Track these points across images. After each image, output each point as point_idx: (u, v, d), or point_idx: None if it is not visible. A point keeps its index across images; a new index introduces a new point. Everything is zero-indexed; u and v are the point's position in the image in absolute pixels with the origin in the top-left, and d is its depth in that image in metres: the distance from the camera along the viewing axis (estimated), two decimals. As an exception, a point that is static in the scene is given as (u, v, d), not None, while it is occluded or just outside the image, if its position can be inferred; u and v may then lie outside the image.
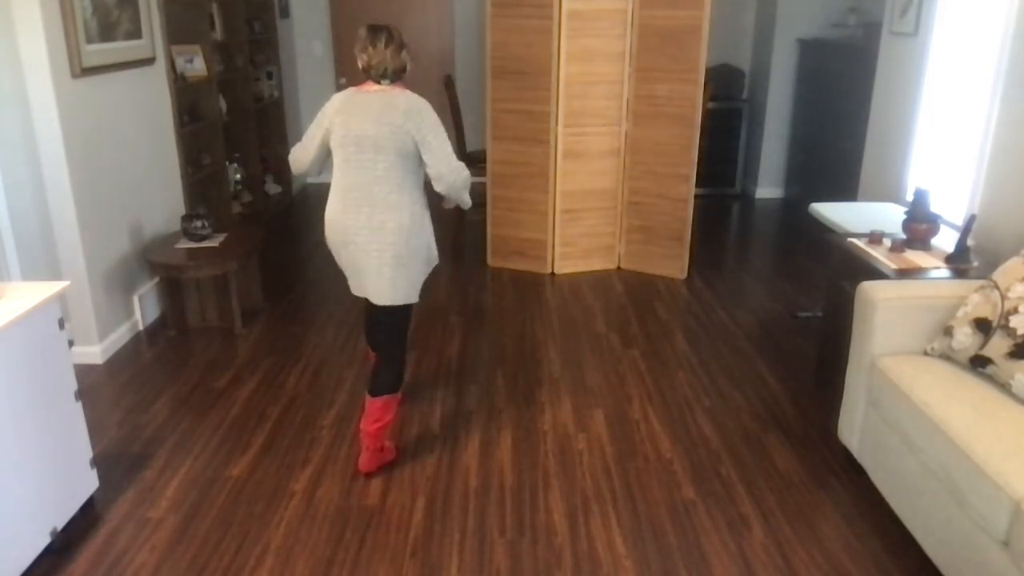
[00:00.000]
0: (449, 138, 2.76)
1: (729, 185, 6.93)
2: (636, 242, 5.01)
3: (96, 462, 2.68)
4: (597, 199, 4.93)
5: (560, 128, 4.70)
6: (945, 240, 3.23)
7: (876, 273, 3.01)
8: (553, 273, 4.99)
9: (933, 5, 3.99)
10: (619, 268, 5.09)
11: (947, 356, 2.59)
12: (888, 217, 3.75)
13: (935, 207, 3.26)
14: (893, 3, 4.41)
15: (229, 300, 4.08)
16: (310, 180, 7.40)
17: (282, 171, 6.59)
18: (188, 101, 4.81)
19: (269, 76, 6.37)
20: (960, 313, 2.56)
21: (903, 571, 2.42)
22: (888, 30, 4.49)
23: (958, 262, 3.04)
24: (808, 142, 6.26)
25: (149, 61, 4.22)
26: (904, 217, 3.25)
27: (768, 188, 6.87)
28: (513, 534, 2.58)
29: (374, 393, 2.81)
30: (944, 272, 3.00)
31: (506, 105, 4.78)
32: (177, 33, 4.61)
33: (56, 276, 3.63)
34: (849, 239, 3.35)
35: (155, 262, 3.97)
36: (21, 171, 3.50)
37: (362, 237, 2.71)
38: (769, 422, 3.25)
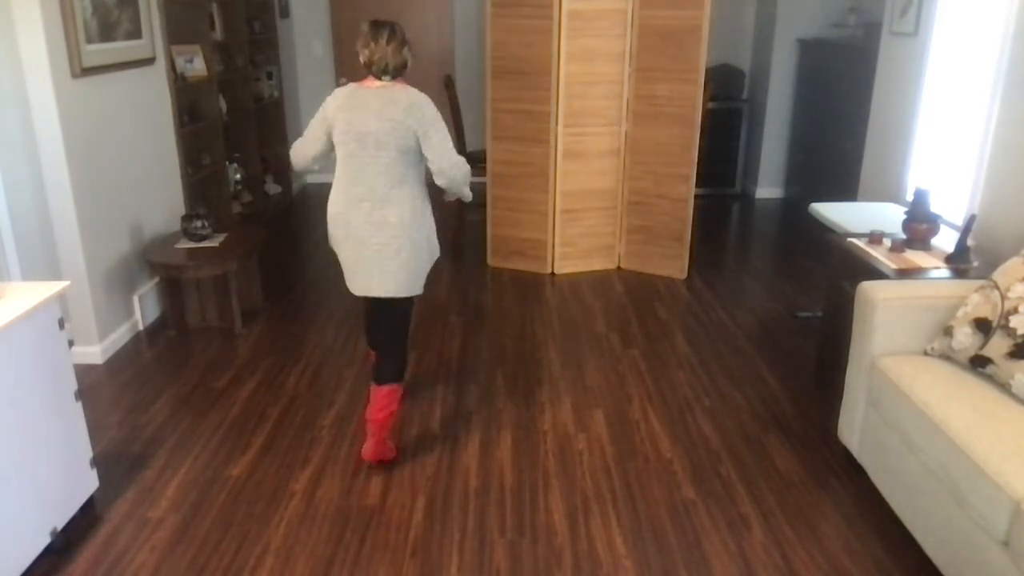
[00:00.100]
0: (452, 142, 2.80)
1: (729, 185, 6.93)
2: (636, 242, 5.01)
3: (96, 462, 2.68)
4: (597, 199, 4.93)
5: (560, 128, 4.70)
6: (945, 240, 3.23)
7: (876, 273, 3.01)
8: (553, 273, 4.99)
9: (933, 5, 3.99)
10: (619, 268, 5.09)
11: (947, 356, 2.59)
12: (888, 217, 3.75)
13: (935, 207, 3.25)
14: (893, 3, 4.41)
15: (229, 300, 4.08)
16: (310, 180, 7.41)
17: (282, 171, 6.59)
18: (188, 101, 4.81)
19: (269, 76, 6.37)
20: (960, 313, 2.56)
21: (903, 571, 2.42)
22: (888, 30, 4.49)
23: (958, 262, 3.04)
24: (808, 142, 6.26)
25: (149, 61, 4.22)
26: (904, 217, 3.25)
27: (768, 188, 6.87)
28: (513, 534, 2.58)
29: (379, 382, 2.84)
30: (944, 272, 3.00)
31: (506, 105, 4.78)
32: (177, 33, 4.61)
33: (56, 276, 3.63)
34: (849, 239, 3.35)
35: (155, 262, 3.97)
36: (21, 171, 3.50)
37: (364, 232, 2.74)
38: (769, 422, 3.25)
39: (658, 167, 4.79)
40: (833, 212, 3.87)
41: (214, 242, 4.13)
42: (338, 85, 2.87)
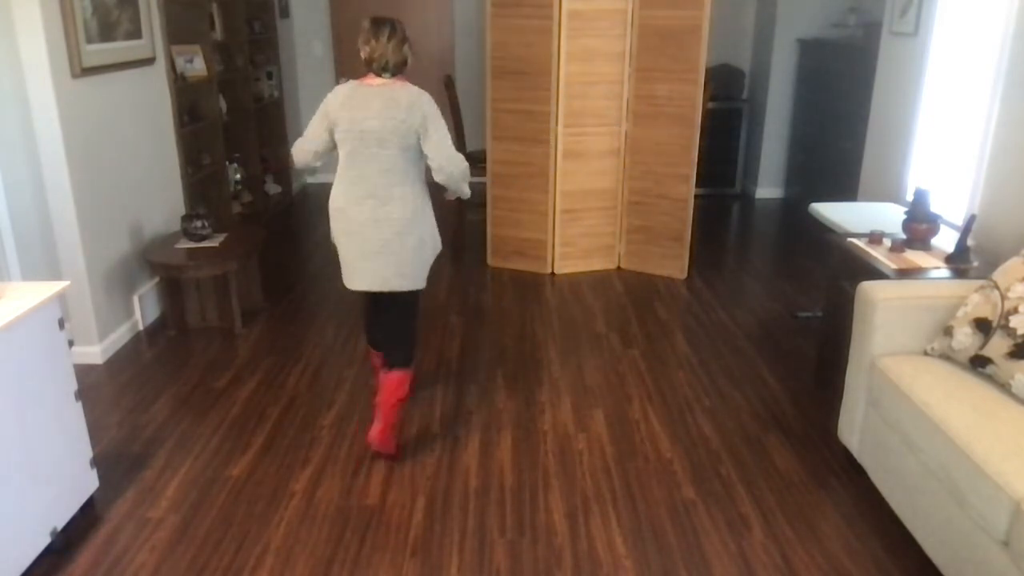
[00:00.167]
0: (451, 139, 2.83)
1: (729, 185, 6.93)
2: (636, 242, 5.01)
3: (96, 462, 2.68)
4: (597, 199, 4.93)
5: (560, 128, 4.70)
6: (945, 240, 3.23)
7: (876, 273, 3.01)
8: (553, 273, 4.98)
9: (933, 5, 3.99)
10: (619, 268, 5.09)
11: (947, 356, 2.59)
12: (888, 217, 3.75)
13: (935, 207, 3.25)
14: (893, 3, 4.41)
15: (229, 300, 4.08)
16: (309, 180, 7.41)
17: (282, 171, 6.59)
18: (188, 101, 4.81)
19: (269, 76, 6.37)
20: (960, 313, 2.56)
21: (903, 571, 2.42)
22: (888, 30, 4.49)
23: (958, 262, 3.04)
24: (808, 142, 6.26)
25: (149, 61, 4.22)
26: (904, 217, 3.25)
27: (768, 188, 6.87)
28: (513, 534, 2.58)
29: (390, 367, 2.89)
30: (944, 272, 3.00)
31: (506, 105, 4.78)
32: (177, 33, 4.61)
33: (56, 276, 3.63)
34: (849, 239, 3.35)
35: (155, 262, 3.97)
36: (21, 171, 3.50)
37: (368, 229, 2.79)
38: (769, 422, 3.25)
39: (658, 167, 4.79)
40: (833, 212, 3.87)
41: (214, 242, 4.13)
42: (338, 84, 2.89)
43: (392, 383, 2.88)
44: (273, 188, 6.51)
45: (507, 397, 3.46)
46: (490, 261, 5.14)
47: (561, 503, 2.73)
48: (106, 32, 3.74)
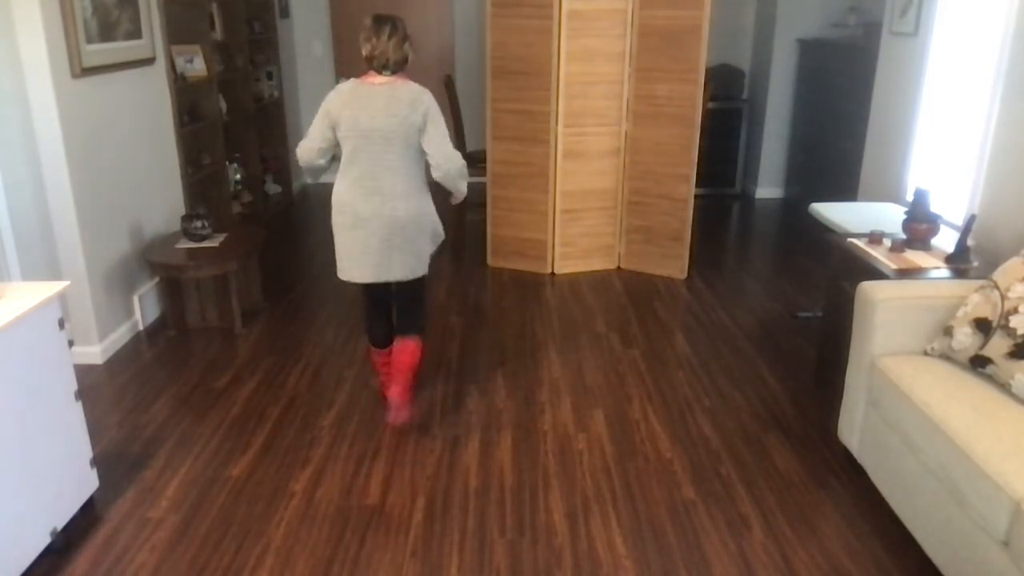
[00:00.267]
0: (449, 137, 2.88)
1: (729, 185, 6.93)
2: (636, 242, 5.00)
3: (96, 462, 2.68)
4: (597, 199, 4.93)
5: (560, 128, 4.70)
6: (945, 240, 3.23)
7: (876, 273, 3.01)
8: (553, 273, 4.98)
9: (933, 5, 3.99)
10: (619, 268, 5.09)
11: (947, 356, 2.59)
12: (888, 217, 3.75)
13: (935, 207, 3.25)
14: (893, 3, 4.41)
15: (229, 300, 4.08)
16: (309, 180, 7.39)
17: (282, 171, 6.59)
18: (188, 101, 4.81)
19: (269, 76, 6.37)
20: (960, 313, 2.56)
21: (903, 571, 2.42)
22: (888, 30, 4.49)
23: (958, 262, 3.04)
24: (808, 142, 6.26)
25: (149, 61, 4.22)
26: (904, 217, 3.25)
27: (768, 188, 6.87)
28: (513, 534, 2.58)
29: (402, 335, 3.04)
30: (944, 272, 3.00)
31: (506, 105, 4.78)
32: (177, 33, 4.61)
33: (56, 276, 3.63)
34: (849, 239, 3.35)
35: (155, 262, 3.97)
36: (21, 171, 3.50)
37: (374, 224, 2.85)
38: (769, 422, 3.25)
39: (658, 167, 4.79)
40: (833, 212, 3.87)
41: (214, 242, 4.13)
42: (339, 83, 2.91)
43: (407, 349, 3.03)
44: (273, 188, 6.51)
45: (507, 397, 3.46)
46: (490, 261, 5.14)
47: (561, 503, 2.73)
48: (106, 32, 3.74)
